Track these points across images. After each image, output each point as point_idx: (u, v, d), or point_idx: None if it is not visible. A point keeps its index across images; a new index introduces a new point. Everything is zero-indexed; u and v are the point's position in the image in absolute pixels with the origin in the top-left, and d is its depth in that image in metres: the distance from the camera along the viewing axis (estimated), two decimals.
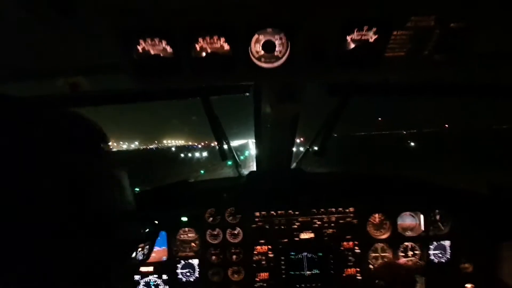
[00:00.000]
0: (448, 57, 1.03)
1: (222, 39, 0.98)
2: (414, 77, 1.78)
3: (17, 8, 0.95)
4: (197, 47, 0.99)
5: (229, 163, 2.59)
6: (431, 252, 2.34)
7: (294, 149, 2.45)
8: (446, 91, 1.84)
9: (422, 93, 1.90)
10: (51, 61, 1.35)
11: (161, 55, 1.00)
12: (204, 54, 1.00)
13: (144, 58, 1.00)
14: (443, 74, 1.47)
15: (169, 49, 0.99)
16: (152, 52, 0.99)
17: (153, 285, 2.30)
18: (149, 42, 0.97)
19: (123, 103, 1.85)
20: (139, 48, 0.99)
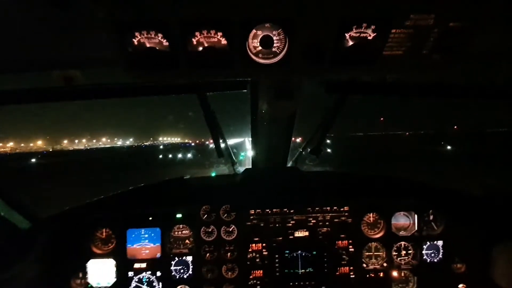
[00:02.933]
0: (447, 57, 1.03)
1: (219, 34, 0.96)
2: (413, 77, 1.78)
3: (12, 1, 0.93)
4: (194, 41, 0.98)
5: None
6: (424, 251, 2.36)
7: (290, 147, 2.45)
8: (444, 92, 1.85)
9: (419, 93, 1.90)
10: (46, 54, 1.33)
11: (157, 48, 0.98)
12: (200, 48, 0.99)
13: (140, 51, 0.98)
14: (441, 74, 1.47)
15: (165, 42, 0.97)
16: (147, 45, 0.98)
17: (146, 281, 2.28)
18: (145, 35, 0.96)
19: (118, 98, 1.83)
20: (135, 41, 0.97)
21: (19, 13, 0.99)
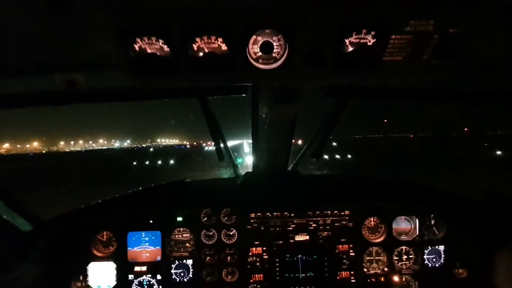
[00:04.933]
0: (446, 62, 1.03)
1: (220, 39, 0.97)
2: (413, 81, 1.78)
3: (15, 5, 0.94)
4: (195, 47, 0.98)
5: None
6: (425, 256, 2.35)
7: (291, 151, 2.45)
8: (444, 96, 1.85)
9: (420, 97, 1.91)
10: (49, 57, 1.34)
11: (158, 54, 0.99)
12: (201, 54, 1.00)
13: (141, 56, 0.99)
14: (442, 79, 1.47)
15: (166, 48, 0.98)
16: (149, 50, 0.99)
17: (147, 285, 2.28)
18: (146, 40, 0.97)
19: (120, 101, 1.84)
20: (136, 46, 0.98)
21: (22, 17, 1.01)
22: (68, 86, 1.52)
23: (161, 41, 0.96)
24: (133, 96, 1.81)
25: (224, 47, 0.98)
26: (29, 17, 1.01)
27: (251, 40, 0.98)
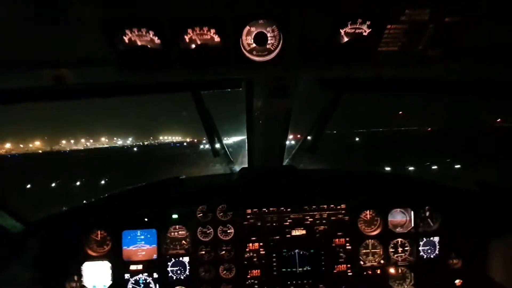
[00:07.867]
0: (442, 53, 1.02)
1: (212, 31, 0.95)
2: (408, 72, 1.78)
3: None
4: (186, 38, 0.96)
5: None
6: (420, 248, 2.38)
7: (287, 145, 2.44)
8: (439, 88, 1.85)
9: (415, 89, 1.91)
10: (35, 53, 1.30)
11: (149, 46, 0.96)
12: (193, 46, 0.97)
13: (131, 49, 0.96)
14: (437, 70, 1.47)
15: (156, 40, 0.95)
16: (139, 43, 0.95)
17: (143, 283, 2.26)
18: (136, 32, 0.93)
19: (110, 97, 1.79)
20: (125, 39, 0.95)
21: (6, 12, 0.97)
22: (55, 82, 1.48)
23: (151, 32, 0.93)
24: (124, 92, 1.77)
25: (216, 38, 0.96)
26: (14, 12, 0.97)
27: (245, 31, 0.95)
